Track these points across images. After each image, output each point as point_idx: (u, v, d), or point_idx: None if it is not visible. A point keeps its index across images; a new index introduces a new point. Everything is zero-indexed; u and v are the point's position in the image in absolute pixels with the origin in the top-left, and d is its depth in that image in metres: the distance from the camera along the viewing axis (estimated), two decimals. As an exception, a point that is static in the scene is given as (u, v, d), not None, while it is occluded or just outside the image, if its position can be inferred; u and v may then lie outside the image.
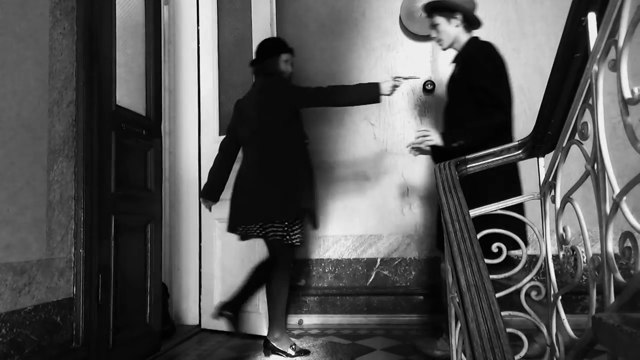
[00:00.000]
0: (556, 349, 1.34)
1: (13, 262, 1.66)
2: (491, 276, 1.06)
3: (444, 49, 2.43)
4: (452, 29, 2.34)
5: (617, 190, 0.88)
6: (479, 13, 3.30)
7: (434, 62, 3.31)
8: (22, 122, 1.73)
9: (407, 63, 3.33)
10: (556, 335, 1.35)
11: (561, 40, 1.18)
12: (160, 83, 2.67)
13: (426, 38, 3.31)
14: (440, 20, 2.34)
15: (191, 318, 3.18)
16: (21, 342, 1.67)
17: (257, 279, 2.55)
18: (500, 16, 3.21)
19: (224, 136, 3.07)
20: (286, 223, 2.41)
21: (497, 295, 1.00)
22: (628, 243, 0.85)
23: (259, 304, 2.80)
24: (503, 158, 1.63)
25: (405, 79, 2.48)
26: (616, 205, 0.88)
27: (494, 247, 1.55)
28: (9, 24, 1.70)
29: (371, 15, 3.37)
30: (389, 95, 2.44)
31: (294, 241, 2.45)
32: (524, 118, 3.07)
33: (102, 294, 2.06)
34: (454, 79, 2.40)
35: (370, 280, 3.23)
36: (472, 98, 2.19)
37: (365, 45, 3.38)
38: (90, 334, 1.99)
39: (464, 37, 2.35)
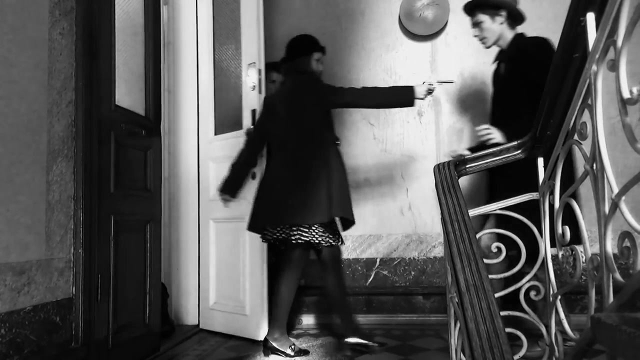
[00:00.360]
0: (555, 349, 1.35)
1: (12, 262, 1.66)
2: (490, 276, 1.07)
3: (488, 47, 2.40)
4: (497, 27, 2.31)
5: (616, 190, 0.88)
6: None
7: (433, 63, 3.31)
8: (21, 122, 1.73)
9: (407, 63, 3.33)
10: (555, 335, 1.35)
11: (560, 40, 1.18)
12: (160, 83, 2.67)
13: (425, 38, 3.31)
14: (483, 18, 2.31)
15: (191, 318, 3.18)
16: (20, 342, 1.67)
17: (333, 289, 2.51)
18: (500, 16, 3.21)
19: (218, 136, 3.08)
20: (315, 226, 2.35)
21: (496, 295, 1.00)
22: (627, 243, 0.85)
23: (246, 306, 2.76)
24: (502, 158, 1.63)
25: (440, 83, 2.45)
26: (615, 205, 0.88)
27: (494, 247, 1.55)
28: (8, 24, 1.69)
29: (370, 15, 3.37)
30: (422, 99, 2.41)
31: (322, 243, 2.39)
32: (523, 118, 3.06)
33: (101, 294, 2.06)
34: (500, 76, 2.38)
35: (370, 280, 3.23)
36: (527, 94, 2.17)
37: (365, 45, 3.38)
38: (89, 334, 1.98)
39: (508, 33, 2.32)
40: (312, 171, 2.35)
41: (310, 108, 2.44)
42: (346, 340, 2.45)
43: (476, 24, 2.37)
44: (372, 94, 2.45)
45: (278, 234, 2.43)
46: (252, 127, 2.72)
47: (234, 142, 2.87)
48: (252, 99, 2.80)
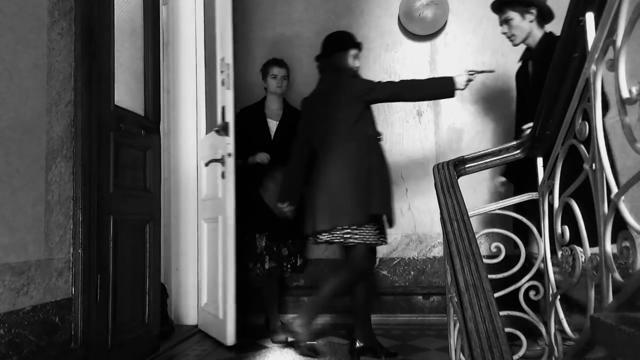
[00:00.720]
0: (555, 349, 1.35)
1: (11, 262, 1.66)
2: (490, 276, 1.07)
3: (516, 45, 2.37)
4: (526, 24, 2.28)
5: (615, 190, 0.88)
6: (476, 14, 3.30)
7: (433, 63, 3.31)
8: (20, 123, 1.73)
9: (406, 63, 3.33)
10: (554, 334, 1.35)
11: (559, 40, 1.19)
12: (159, 83, 2.66)
13: (425, 38, 3.31)
14: (513, 15, 2.28)
15: (190, 318, 3.18)
16: (19, 342, 1.67)
17: (361, 290, 2.45)
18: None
19: (206, 135, 3.07)
20: (365, 226, 2.30)
21: (495, 295, 1.00)
22: (626, 243, 0.85)
23: (219, 309, 2.68)
24: (501, 158, 1.63)
25: (479, 72, 2.37)
26: (614, 205, 0.88)
27: (493, 247, 1.55)
28: (7, 24, 1.69)
29: (370, 15, 3.37)
30: (462, 89, 2.36)
31: (373, 243, 2.35)
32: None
33: (100, 294, 2.06)
34: (528, 75, 2.35)
35: (369, 280, 3.23)
36: None
37: (364, 45, 3.36)
38: (88, 334, 1.98)
39: (537, 32, 2.29)
40: (352, 169, 2.32)
41: (349, 104, 2.39)
42: (357, 344, 2.41)
43: (505, 22, 2.33)
44: (412, 87, 2.41)
45: (334, 237, 2.34)
46: (221, 123, 2.66)
47: (211, 142, 2.86)
48: (222, 96, 2.74)
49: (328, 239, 2.34)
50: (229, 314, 2.58)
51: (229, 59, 2.68)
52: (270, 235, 2.82)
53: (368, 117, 2.46)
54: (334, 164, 2.36)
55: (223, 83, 2.71)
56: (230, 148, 2.65)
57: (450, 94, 2.36)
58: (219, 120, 2.71)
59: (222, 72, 2.72)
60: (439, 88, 2.37)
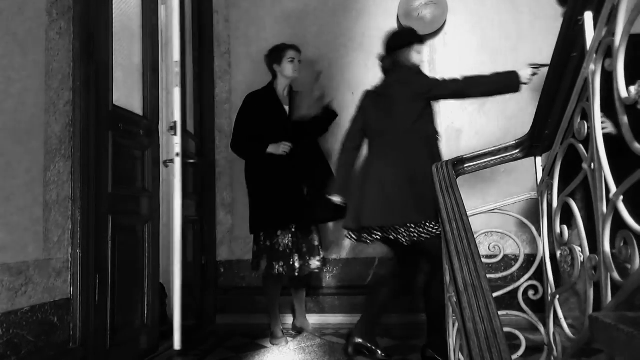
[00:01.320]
0: (554, 348, 1.34)
1: (10, 262, 1.65)
2: (488, 276, 1.06)
3: None
4: None
5: (614, 189, 0.88)
6: (475, 14, 3.30)
7: (432, 62, 3.31)
8: (18, 122, 1.73)
9: (405, 62, 3.32)
10: (554, 334, 1.35)
11: (558, 39, 1.18)
12: (158, 83, 2.66)
13: (424, 38, 3.31)
14: None
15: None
16: (18, 342, 1.66)
17: (385, 288, 2.43)
18: (498, 16, 3.22)
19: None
20: (428, 222, 2.23)
21: (495, 294, 1.00)
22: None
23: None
24: (500, 157, 1.63)
25: (542, 66, 2.26)
26: (613, 205, 0.88)
27: (492, 247, 1.55)
28: (5, 24, 1.69)
29: (369, 14, 3.37)
30: (527, 84, 2.29)
31: (438, 232, 2.22)
32: (523, 117, 3.07)
33: (99, 294, 2.05)
34: None
35: (368, 279, 3.22)
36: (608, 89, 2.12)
37: (363, 44, 3.37)
38: (87, 334, 1.98)
39: None
40: (419, 166, 2.25)
41: (411, 102, 2.36)
42: (355, 341, 2.38)
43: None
44: (475, 83, 2.36)
45: (387, 234, 2.29)
46: (173, 122, 2.63)
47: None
48: (174, 95, 2.71)
49: (393, 238, 2.28)
50: (176, 316, 2.50)
51: (177, 57, 2.65)
52: (297, 228, 2.72)
53: (429, 115, 2.43)
54: (393, 160, 2.32)
55: (178, 83, 2.68)
56: (178, 148, 2.61)
57: (515, 89, 2.30)
58: (171, 119, 2.67)
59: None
60: (503, 83, 2.32)
